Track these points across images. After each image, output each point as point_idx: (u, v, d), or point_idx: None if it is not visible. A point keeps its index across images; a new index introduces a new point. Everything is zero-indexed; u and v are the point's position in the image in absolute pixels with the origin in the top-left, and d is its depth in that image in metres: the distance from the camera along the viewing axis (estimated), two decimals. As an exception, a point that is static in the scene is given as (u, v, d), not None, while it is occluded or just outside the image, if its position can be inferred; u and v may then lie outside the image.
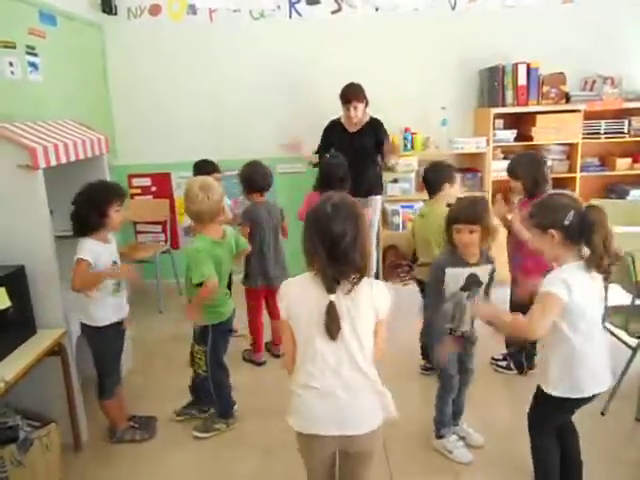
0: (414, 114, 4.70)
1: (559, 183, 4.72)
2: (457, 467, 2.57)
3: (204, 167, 3.69)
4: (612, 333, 3.10)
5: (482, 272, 2.42)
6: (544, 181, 3.12)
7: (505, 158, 4.66)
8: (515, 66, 4.49)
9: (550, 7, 4.65)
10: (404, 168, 4.63)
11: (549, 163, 4.63)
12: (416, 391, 3.21)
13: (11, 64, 3.20)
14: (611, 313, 3.02)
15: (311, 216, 1.68)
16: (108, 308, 2.71)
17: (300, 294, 1.70)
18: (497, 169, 4.60)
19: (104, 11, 4.44)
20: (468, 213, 2.38)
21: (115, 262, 2.73)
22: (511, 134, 4.60)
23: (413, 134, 4.67)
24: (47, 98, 3.56)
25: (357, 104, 4.09)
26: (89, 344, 2.77)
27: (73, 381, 2.74)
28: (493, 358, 3.44)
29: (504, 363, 3.40)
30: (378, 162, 4.30)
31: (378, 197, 4.39)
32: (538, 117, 4.48)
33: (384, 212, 4.69)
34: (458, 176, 3.33)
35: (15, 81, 3.22)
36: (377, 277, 4.66)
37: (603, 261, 1.93)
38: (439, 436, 2.65)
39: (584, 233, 1.95)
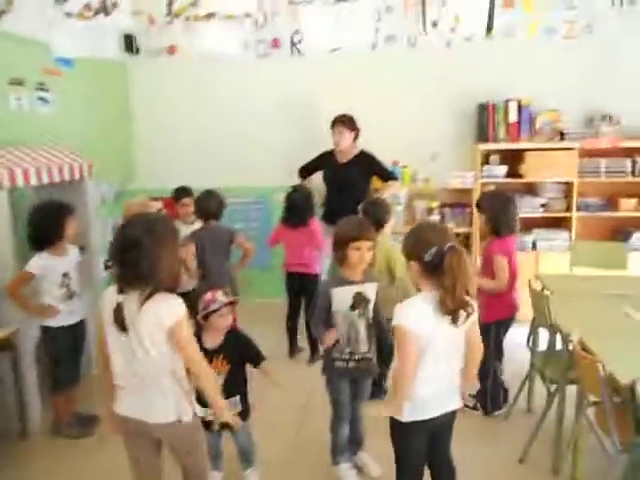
0: (405, 148, 4.78)
1: (555, 222, 4.60)
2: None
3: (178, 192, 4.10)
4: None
5: (368, 290, 2.49)
6: (509, 221, 3.10)
7: (498, 194, 4.60)
8: (506, 103, 4.47)
9: (551, 43, 4.57)
10: (392, 200, 4.69)
11: (544, 201, 4.54)
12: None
13: (18, 98, 3.74)
14: (536, 356, 2.93)
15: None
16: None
17: (106, 297, 1.94)
18: (487, 205, 4.54)
19: (127, 50, 4.98)
20: (365, 230, 2.49)
21: (65, 274, 3.09)
22: (501, 170, 4.53)
23: (403, 168, 4.74)
24: (57, 128, 4.07)
25: (341, 129, 4.23)
26: (43, 343, 3.14)
27: (26, 375, 3.11)
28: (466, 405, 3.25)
29: (471, 403, 3.28)
30: (365, 194, 4.31)
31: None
32: (527, 154, 4.40)
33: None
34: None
35: (21, 113, 3.75)
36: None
37: (446, 303, 1.93)
38: (335, 462, 2.70)
39: (439, 270, 1.98)
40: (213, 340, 2.45)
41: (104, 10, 2.15)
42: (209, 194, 3.66)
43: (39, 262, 2.96)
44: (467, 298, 1.96)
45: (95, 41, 2.34)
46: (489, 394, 3.22)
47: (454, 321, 1.96)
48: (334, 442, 2.69)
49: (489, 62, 4.63)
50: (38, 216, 3.00)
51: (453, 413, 2.15)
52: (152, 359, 1.86)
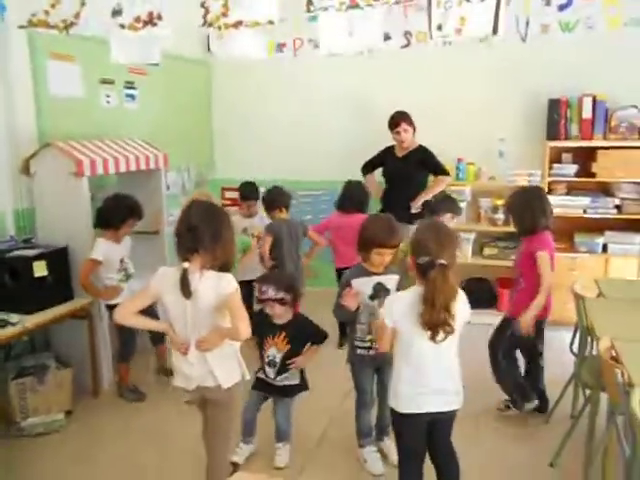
0: (471, 145, 4.73)
1: (630, 225, 4.35)
2: (369, 478, 2.74)
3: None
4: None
5: (388, 280, 2.58)
6: (537, 217, 3.02)
7: (568, 194, 4.44)
8: (580, 99, 4.27)
9: (634, 37, 4.29)
10: (456, 197, 4.66)
11: (617, 202, 4.32)
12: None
13: (108, 95, 4.18)
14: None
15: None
16: None
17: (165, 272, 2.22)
18: (555, 204, 4.37)
19: (208, 50, 5.33)
20: (391, 239, 2.55)
21: (122, 260, 3.46)
22: (572, 169, 4.35)
23: (469, 164, 4.68)
24: (142, 122, 4.49)
25: (405, 126, 4.31)
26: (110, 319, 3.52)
27: (99, 341, 3.52)
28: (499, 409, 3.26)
29: (502, 405, 3.24)
30: (420, 188, 4.36)
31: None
32: (600, 152, 4.19)
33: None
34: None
35: (110, 108, 4.19)
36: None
37: (425, 316, 2.00)
38: (360, 445, 2.82)
39: (425, 278, 2.03)
40: (280, 317, 2.73)
41: (151, 22, 2.40)
42: (278, 188, 3.89)
43: (101, 249, 3.30)
44: (447, 318, 2.00)
45: (143, 49, 2.62)
46: (515, 388, 3.15)
47: (432, 338, 2.02)
48: (358, 426, 2.81)
49: (563, 56, 4.44)
50: (111, 203, 3.38)
51: (452, 411, 2.21)
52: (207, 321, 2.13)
